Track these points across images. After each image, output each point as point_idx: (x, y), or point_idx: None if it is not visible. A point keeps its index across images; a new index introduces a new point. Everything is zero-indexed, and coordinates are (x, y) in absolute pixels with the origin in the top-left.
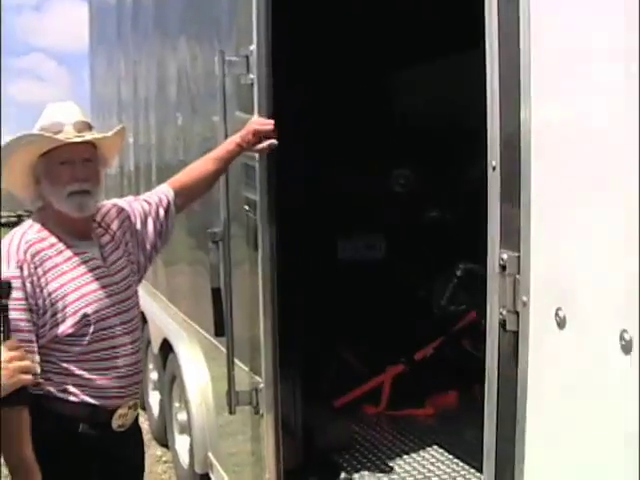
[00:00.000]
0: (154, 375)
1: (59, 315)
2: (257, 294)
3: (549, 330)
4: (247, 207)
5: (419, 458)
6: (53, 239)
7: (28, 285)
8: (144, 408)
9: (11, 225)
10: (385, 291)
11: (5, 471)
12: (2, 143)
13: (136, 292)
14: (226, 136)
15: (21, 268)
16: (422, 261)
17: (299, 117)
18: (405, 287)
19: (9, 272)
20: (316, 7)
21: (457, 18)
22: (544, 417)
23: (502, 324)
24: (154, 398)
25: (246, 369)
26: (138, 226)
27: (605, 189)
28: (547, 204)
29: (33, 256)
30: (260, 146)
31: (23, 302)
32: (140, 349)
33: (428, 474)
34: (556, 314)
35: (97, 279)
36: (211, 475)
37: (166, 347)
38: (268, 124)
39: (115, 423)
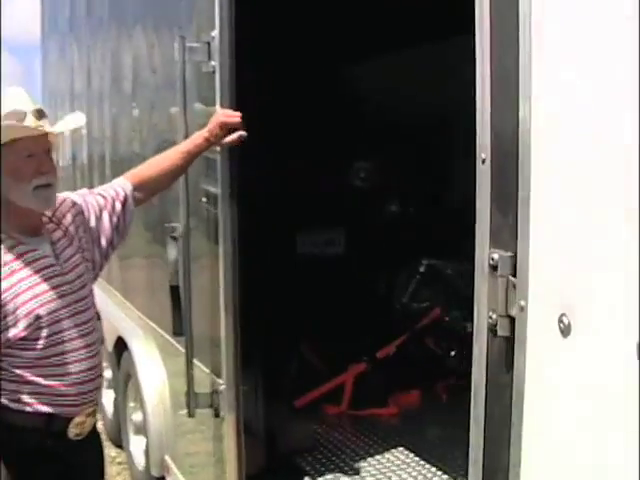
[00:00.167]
0: (108, 373)
1: (10, 318)
2: (217, 291)
3: (551, 337)
4: (205, 199)
5: (384, 460)
6: (1, 236)
7: None
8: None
9: None
10: (346, 287)
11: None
12: None
13: (92, 291)
14: (186, 127)
15: None
16: (383, 257)
17: (262, 108)
18: (366, 283)
19: None
20: None
21: (426, 6)
22: (543, 421)
23: (491, 329)
24: (108, 397)
25: (206, 370)
26: (92, 221)
27: (615, 186)
28: (549, 202)
29: None
30: (229, 138)
31: None
32: (99, 352)
33: (394, 478)
34: (560, 320)
35: (50, 278)
36: (167, 478)
37: (120, 345)
38: (235, 116)
39: (72, 432)
